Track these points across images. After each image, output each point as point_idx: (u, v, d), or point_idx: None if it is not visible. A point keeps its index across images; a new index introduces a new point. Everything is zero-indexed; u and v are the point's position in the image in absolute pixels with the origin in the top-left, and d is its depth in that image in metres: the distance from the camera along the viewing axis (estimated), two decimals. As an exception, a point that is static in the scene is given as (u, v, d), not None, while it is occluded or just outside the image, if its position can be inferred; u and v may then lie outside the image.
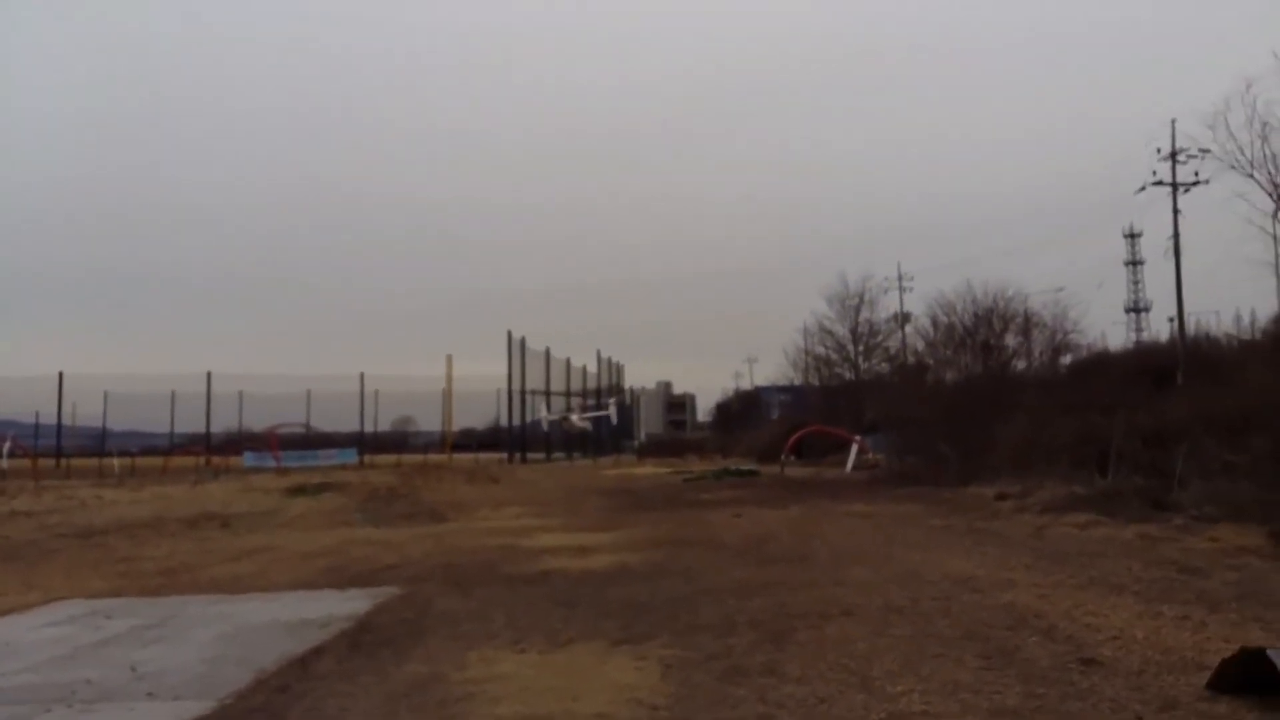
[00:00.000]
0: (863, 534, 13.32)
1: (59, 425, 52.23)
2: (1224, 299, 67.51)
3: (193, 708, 5.41)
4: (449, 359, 49.23)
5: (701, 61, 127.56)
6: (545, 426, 51.43)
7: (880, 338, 47.77)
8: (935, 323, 33.35)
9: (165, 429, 53.90)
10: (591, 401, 56.51)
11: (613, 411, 53.97)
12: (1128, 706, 4.93)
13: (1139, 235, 64.44)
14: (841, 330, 47.70)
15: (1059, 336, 32.61)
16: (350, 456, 45.63)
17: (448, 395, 50.13)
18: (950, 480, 20.40)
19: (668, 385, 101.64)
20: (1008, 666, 5.75)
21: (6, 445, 43.12)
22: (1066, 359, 32.39)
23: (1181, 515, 12.63)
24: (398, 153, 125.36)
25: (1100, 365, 28.55)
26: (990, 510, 15.85)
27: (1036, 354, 32.48)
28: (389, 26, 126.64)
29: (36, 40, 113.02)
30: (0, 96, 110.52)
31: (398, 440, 58.22)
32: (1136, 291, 65.95)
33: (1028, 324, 32.46)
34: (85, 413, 53.19)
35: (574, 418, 49.74)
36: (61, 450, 51.02)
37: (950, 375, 30.87)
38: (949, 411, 24.40)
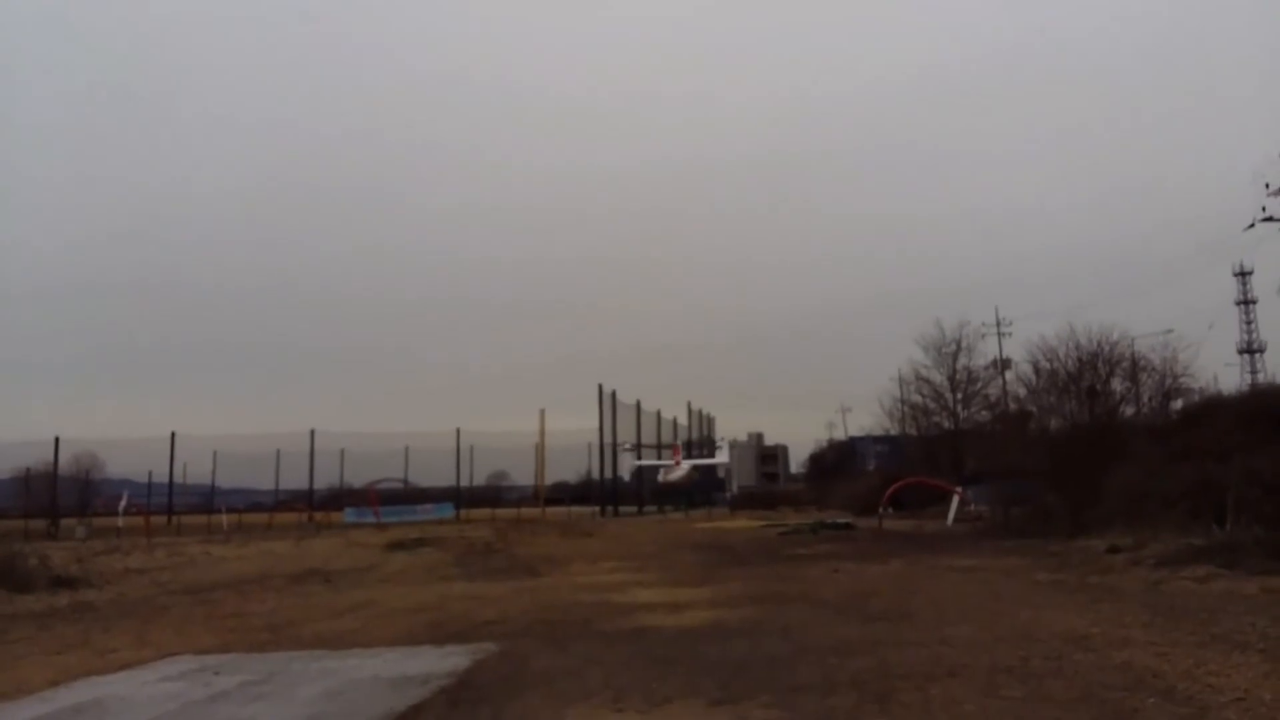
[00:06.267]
0: (968, 590, 12.92)
1: (170, 484, 54.53)
2: (1345, 336, 64.17)
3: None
4: (542, 413, 49.66)
5: (784, 116, 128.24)
6: (628, 477, 48.30)
7: (979, 385, 46.28)
8: (1037, 368, 32.28)
9: (270, 486, 55.96)
10: (697, 450, 51.28)
11: (726, 455, 49.05)
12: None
13: (1250, 273, 62.23)
14: (939, 378, 46.41)
15: (1169, 381, 31.23)
16: (447, 511, 46.28)
17: (540, 450, 50.59)
18: (1058, 533, 19.70)
19: (759, 437, 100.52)
20: (1128, 731, 5.48)
21: (122, 504, 45.22)
22: (1177, 404, 30.96)
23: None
24: (493, 218, 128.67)
25: (1214, 410, 27.17)
26: (1102, 564, 15.21)
27: (1145, 399, 31.20)
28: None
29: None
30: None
31: (492, 495, 58.91)
32: (1249, 332, 63.47)
33: (1135, 368, 31.24)
34: (195, 471, 55.75)
35: (674, 470, 45.82)
36: (173, 508, 53.08)
37: (1054, 423, 29.81)
38: (1054, 460, 23.61)
